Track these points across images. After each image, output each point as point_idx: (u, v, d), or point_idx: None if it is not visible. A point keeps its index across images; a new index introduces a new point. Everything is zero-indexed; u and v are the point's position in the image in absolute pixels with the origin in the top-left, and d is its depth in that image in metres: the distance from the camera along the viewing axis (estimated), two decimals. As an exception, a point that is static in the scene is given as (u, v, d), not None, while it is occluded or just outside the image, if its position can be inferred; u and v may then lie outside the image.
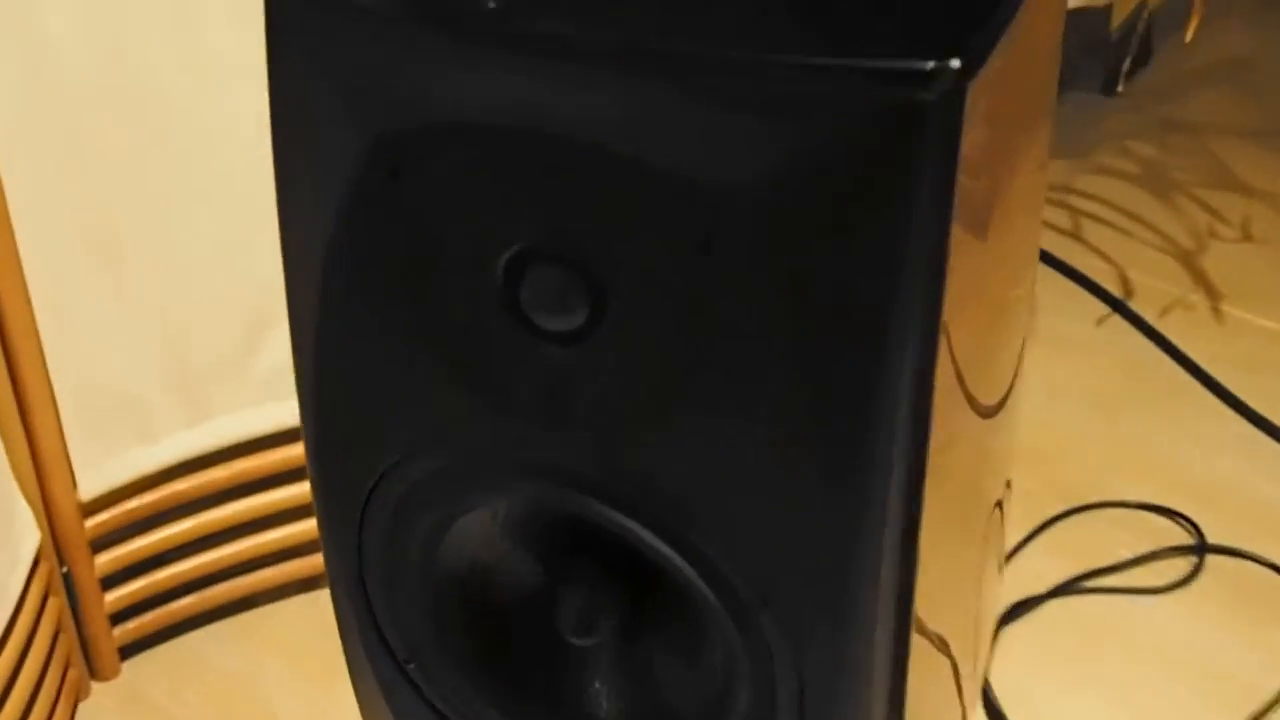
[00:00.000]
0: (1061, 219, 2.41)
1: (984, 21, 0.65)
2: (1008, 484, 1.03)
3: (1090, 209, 2.44)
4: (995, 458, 0.93)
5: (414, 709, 0.81)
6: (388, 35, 0.67)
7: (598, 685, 0.76)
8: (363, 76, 0.67)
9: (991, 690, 1.75)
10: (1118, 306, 2.23)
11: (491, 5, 0.65)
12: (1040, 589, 1.81)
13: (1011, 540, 1.95)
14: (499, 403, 0.67)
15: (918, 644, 0.73)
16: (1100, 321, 2.25)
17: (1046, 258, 2.25)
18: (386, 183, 0.68)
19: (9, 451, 1.60)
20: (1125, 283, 2.31)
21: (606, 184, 0.65)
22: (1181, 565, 1.86)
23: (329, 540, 0.77)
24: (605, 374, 0.66)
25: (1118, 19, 2.29)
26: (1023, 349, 0.92)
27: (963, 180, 0.63)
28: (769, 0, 0.66)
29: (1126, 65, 2.37)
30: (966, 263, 0.69)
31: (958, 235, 0.65)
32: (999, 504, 0.99)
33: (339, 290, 0.71)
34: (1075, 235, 2.40)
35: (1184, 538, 1.89)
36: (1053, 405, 2.07)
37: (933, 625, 0.76)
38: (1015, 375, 0.91)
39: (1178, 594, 1.82)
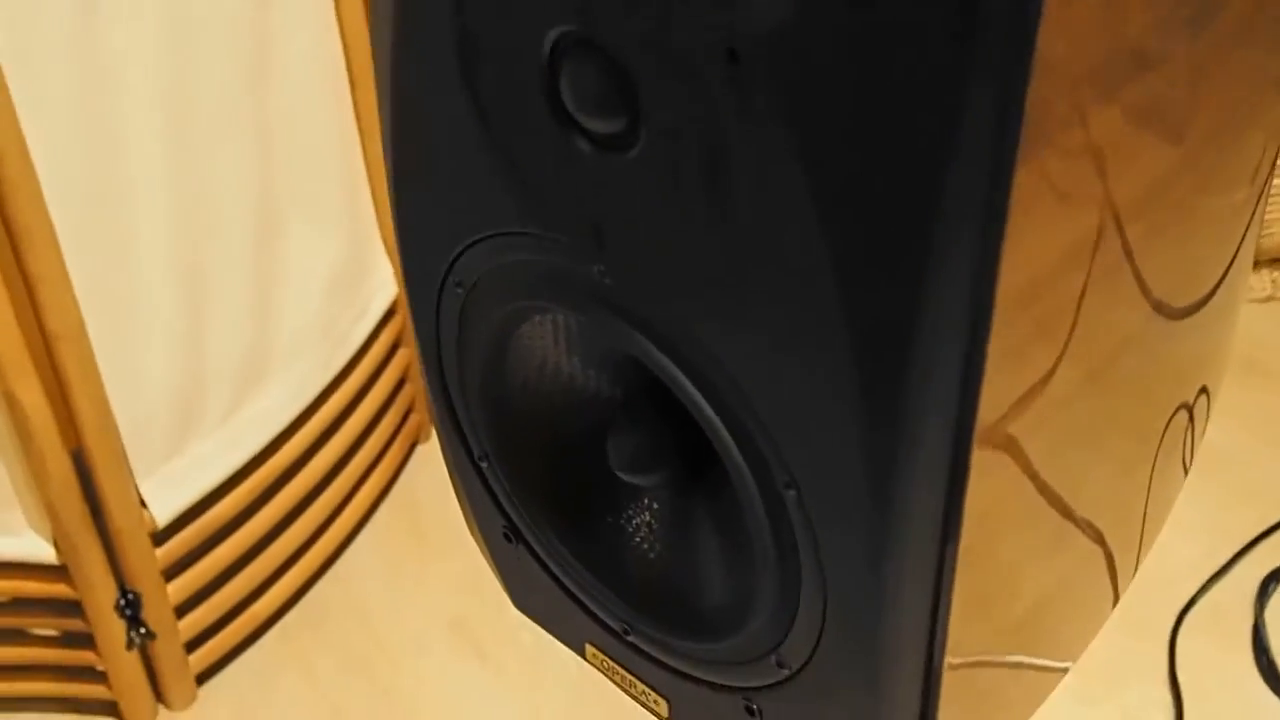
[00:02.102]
0: None
1: None
2: (1203, 390, 0.88)
3: None
4: (1173, 360, 0.79)
5: (488, 512, 0.76)
6: None
7: (636, 535, 0.70)
8: None
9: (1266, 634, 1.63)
10: None
11: None
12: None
13: None
14: (548, 209, 0.62)
15: (987, 560, 0.63)
16: None
17: None
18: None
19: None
20: None
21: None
22: None
23: (417, 327, 0.73)
24: (645, 191, 0.59)
25: None
26: (1235, 262, 0.77)
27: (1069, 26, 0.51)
28: None
29: None
30: (1093, 136, 0.57)
31: (1060, 94, 0.53)
32: (1184, 408, 0.85)
33: (410, 85, 0.66)
34: None
35: None
36: None
37: (1019, 536, 0.66)
38: (1217, 285, 0.77)
39: None
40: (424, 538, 1.92)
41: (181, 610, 1.71)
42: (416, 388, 1.99)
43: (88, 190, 1.43)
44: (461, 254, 0.70)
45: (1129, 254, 0.65)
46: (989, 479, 0.60)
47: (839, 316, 0.57)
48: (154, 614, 1.67)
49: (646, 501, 0.73)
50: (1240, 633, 1.73)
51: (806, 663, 0.67)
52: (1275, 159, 0.77)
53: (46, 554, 1.61)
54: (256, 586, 1.79)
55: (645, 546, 0.73)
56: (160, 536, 1.65)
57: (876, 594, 0.62)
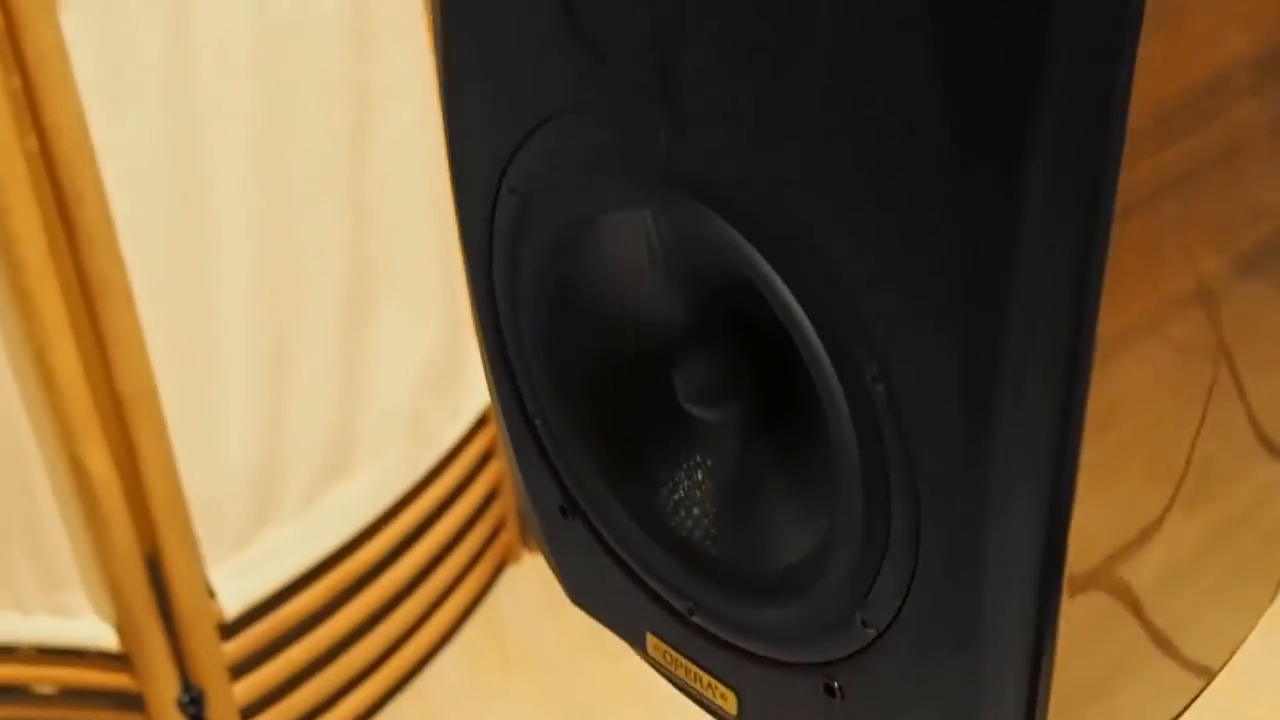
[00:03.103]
0: None
1: None
2: None
3: None
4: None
5: (544, 485, 0.67)
6: None
7: (700, 490, 0.60)
8: None
9: None
10: None
11: None
12: None
13: None
14: (609, 70, 0.54)
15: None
16: None
17: None
18: None
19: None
20: None
21: None
22: None
23: (467, 261, 0.65)
24: (719, 16, 0.51)
25: None
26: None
27: None
28: None
29: None
30: None
31: None
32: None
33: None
34: None
35: None
36: None
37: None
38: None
39: None
40: (508, 658, 1.82)
41: (248, 712, 1.62)
42: (508, 504, 1.91)
43: (168, 245, 1.37)
44: (516, 152, 0.62)
45: None
46: (1122, 367, 0.51)
47: (944, 155, 0.48)
48: (218, 713, 1.58)
49: (713, 450, 0.64)
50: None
51: (896, 617, 0.57)
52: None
53: (108, 640, 1.53)
54: (330, 695, 1.70)
55: (710, 502, 0.64)
56: (229, 630, 1.57)
57: (979, 511, 0.52)
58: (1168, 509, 0.58)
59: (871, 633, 0.58)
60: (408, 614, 1.76)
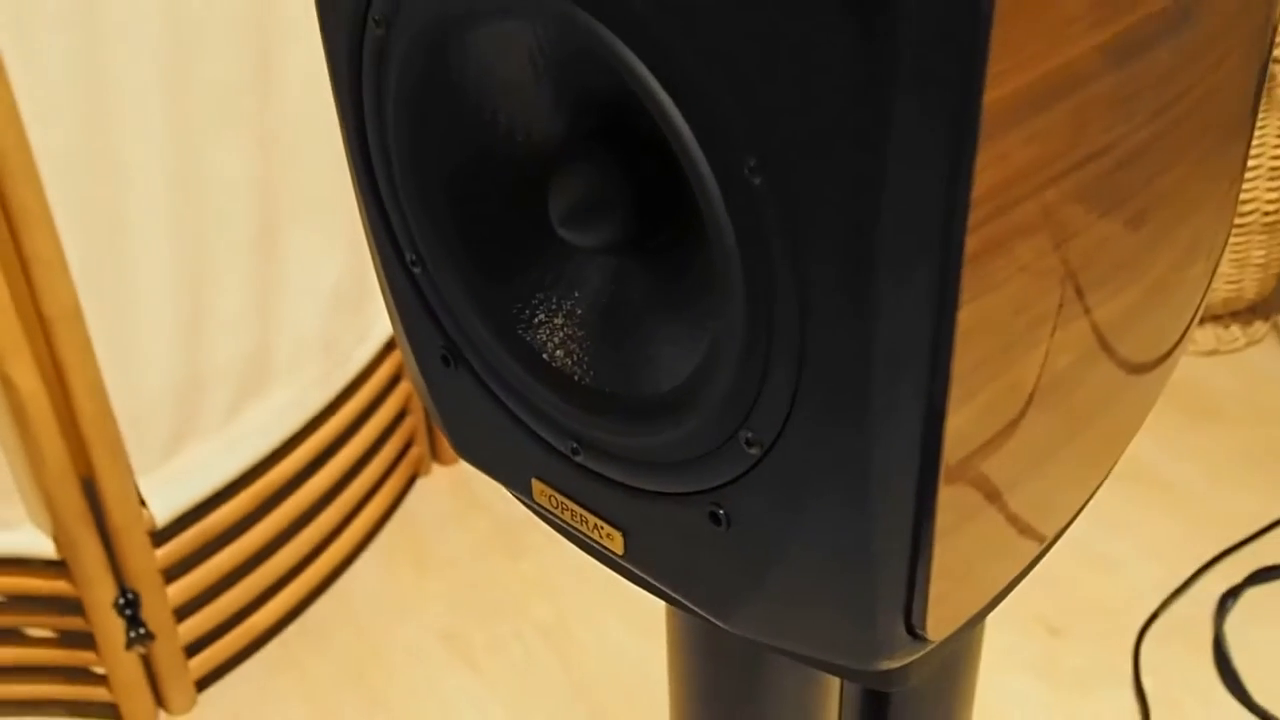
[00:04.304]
0: None
1: None
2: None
3: None
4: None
5: (425, 333, 0.57)
6: None
7: (578, 320, 0.50)
8: None
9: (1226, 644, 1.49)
10: None
11: None
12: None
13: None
14: None
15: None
16: None
17: None
18: None
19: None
20: None
21: None
22: None
23: (338, 102, 0.54)
24: None
25: None
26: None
27: None
28: None
29: None
30: None
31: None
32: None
33: None
34: None
35: None
36: None
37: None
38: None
39: None
40: (423, 561, 1.72)
41: (181, 613, 1.51)
42: (417, 420, 1.79)
43: (85, 174, 1.25)
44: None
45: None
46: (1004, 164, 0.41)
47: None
48: (153, 615, 1.46)
49: (590, 278, 0.54)
50: (1202, 645, 1.53)
51: (780, 435, 0.47)
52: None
53: (46, 548, 1.40)
54: (256, 596, 1.58)
55: (589, 332, 0.54)
56: (160, 537, 1.45)
57: (863, 314, 0.42)
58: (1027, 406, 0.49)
59: (756, 452, 0.48)
60: (327, 521, 1.64)
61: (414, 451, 1.82)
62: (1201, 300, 0.62)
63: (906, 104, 0.39)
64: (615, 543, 0.56)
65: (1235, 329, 1.97)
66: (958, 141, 0.39)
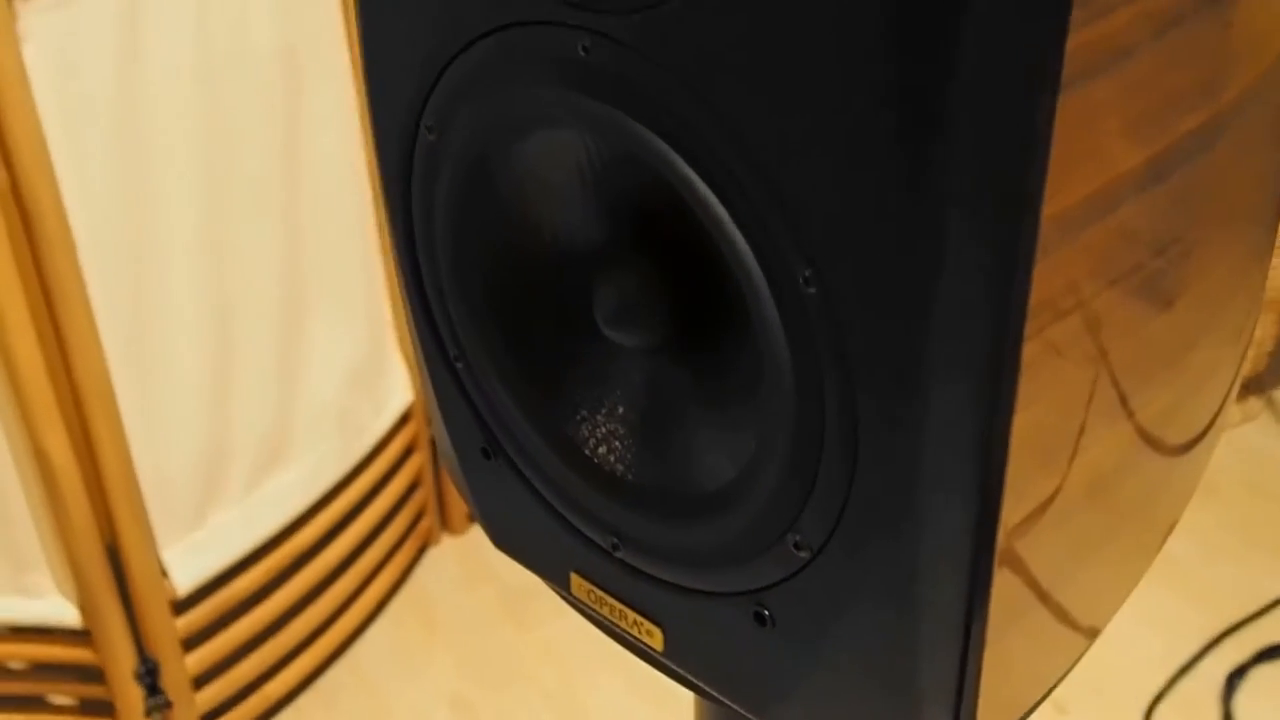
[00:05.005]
0: None
1: None
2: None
3: None
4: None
5: (465, 428, 0.56)
6: None
7: (621, 416, 0.50)
8: None
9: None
10: None
11: None
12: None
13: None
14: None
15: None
16: None
17: None
18: None
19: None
20: None
21: None
22: None
23: (388, 205, 0.54)
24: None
25: None
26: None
27: None
28: None
29: None
30: None
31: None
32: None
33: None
34: None
35: None
36: None
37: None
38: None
39: None
40: (431, 629, 1.71)
41: (199, 682, 1.49)
42: (428, 493, 1.79)
43: (121, 255, 1.25)
44: (432, 89, 0.51)
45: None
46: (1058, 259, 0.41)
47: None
48: (172, 683, 1.45)
49: (633, 376, 0.53)
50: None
51: (829, 539, 0.46)
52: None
53: (71, 617, 1.39)
54: (272, 665, 1.56)
55: (632, 430, 0.53)
56: (180, 606, 1.43)
57: (915, 421, 0.42)
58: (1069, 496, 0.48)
59: (805, 555, 0.47)
60: (340, 591, 1.63)
61: (424, 523, 1.81)
62: (1235, 377, 0.61)
63: (961, 221, 0.38)
64: (655, 639, 0.55)
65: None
66: (1012, 257, 0.39)
